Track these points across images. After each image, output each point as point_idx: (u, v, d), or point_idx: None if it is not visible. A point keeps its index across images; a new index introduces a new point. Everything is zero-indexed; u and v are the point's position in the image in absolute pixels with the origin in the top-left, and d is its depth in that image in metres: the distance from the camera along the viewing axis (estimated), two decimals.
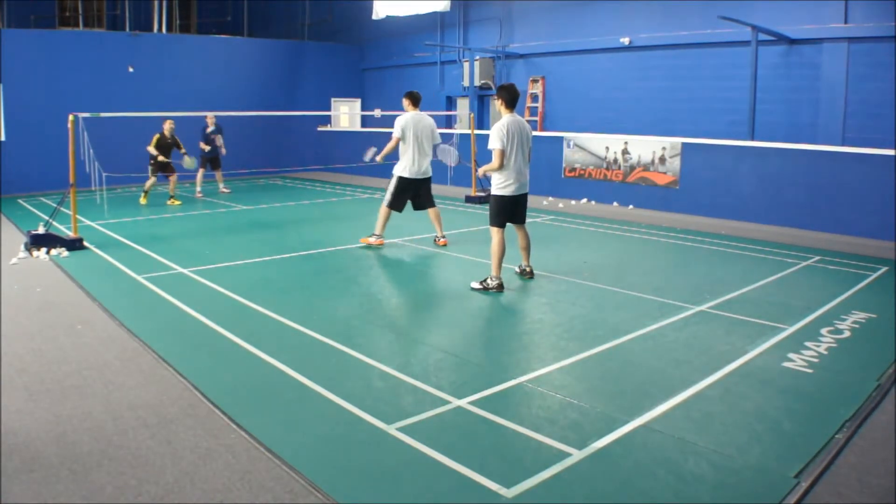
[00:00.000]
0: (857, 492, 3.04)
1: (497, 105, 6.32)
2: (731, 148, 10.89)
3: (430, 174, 8.26)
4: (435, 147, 8.33)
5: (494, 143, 6.16)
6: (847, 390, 4.13)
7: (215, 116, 13.62)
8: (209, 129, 13.62)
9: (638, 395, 4.03)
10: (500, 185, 6.34)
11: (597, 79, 14.60)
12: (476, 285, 6.43)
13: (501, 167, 6.22)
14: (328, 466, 3.21)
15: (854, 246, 8.71)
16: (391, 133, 8.10)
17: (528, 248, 6.82)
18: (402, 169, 8.09)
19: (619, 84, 14.18)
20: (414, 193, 8.22)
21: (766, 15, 11.41)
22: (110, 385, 4.17)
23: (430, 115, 8.54)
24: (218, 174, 14.32)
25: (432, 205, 8.34)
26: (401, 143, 8.04)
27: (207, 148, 13.65)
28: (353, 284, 6.77)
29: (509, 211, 6.43)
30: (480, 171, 6.62)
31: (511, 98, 6.17)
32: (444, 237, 8.45)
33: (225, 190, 14.52)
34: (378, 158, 8.33)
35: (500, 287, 6.34)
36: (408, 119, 8.03)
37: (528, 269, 6.87)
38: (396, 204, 8.20)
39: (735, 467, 3.22)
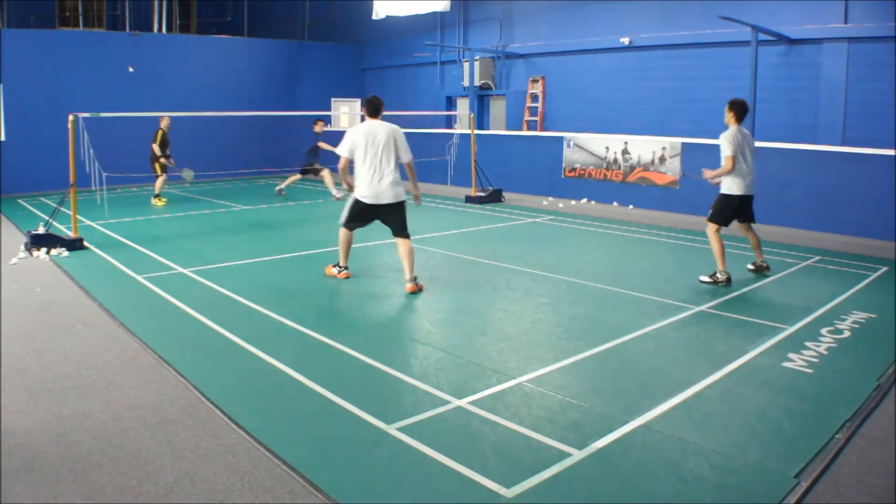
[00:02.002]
0: (857, 492, 3.04)
1: (728, 118, 6.85)
2: None
3: (391, 199, 6.51)
4: None
5: (727, 150, 6.70)
6: (847, 390, 4.13)
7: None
8: (319, 138, 13.21)
9: (638, 395, 4.03)
10: (730, 186, 6.85)
11: (597, 79, 14.59)
12: (706, 279, 6.79)
13: (732, 170, 6.76)
14: (328, 466, 3.21)
15: (854, 246, 8.71)
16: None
17: (759, 246, 7.19)
18: (358, 189, 6.63)
19: (619, 84, 14.17)
20: (375, 219, 6.75)
21: (766, 15, 11.41)
22: (110, 385, 4.17)
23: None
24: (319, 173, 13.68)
25: (405, 236, 6.63)
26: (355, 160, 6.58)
27: (317, 166, 13.10)
28: (353, 284, 6.76)
29: (736, 210, 6.90)
30: (709, 175, 6.99)
31: (742, 112, 6.79)
32: (412, 281, 6.49)
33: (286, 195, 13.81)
34: (337, 195, 6.69)
35: (729, 281, 6.71)
36: (358, 131, 6.56)
37: (764, 265, 7.19)
38: (351, 224, 6.79)
39: (735, 467, 3.22)
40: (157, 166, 12.35)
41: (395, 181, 6.54)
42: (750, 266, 7.29)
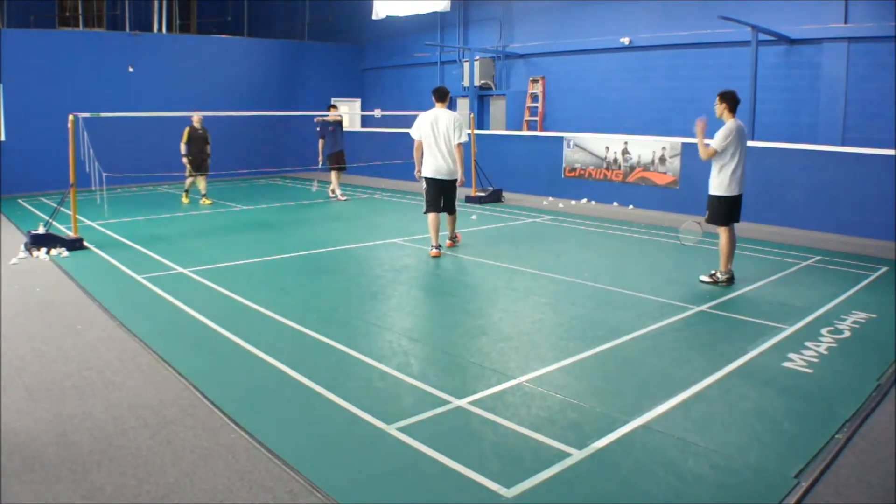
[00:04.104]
0: (857, 492, 3.04)
1: (720, 110, 6.52)
2: None
3: (447, 175, 7.84)
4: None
5: (714, 144, 6.40)
6: (847, 390, 4.13)
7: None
8: (330, 126, 12.73)
9: (638, 395, 4.03)
10: (719, 186, 6.53)
11: (597, 79, 14.60)
12: (706, 279, 6.68)
13: (713, 161, 6.48)
14: (328, 466, 3.21)
15: (854, 246, 8.71)
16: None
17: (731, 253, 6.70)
18: (423, 168, 7.90)
19: (619, 84, 14.18)
20: (438, 194, 7.91)
21: (766, 15, 11.42)
22: (110, 385, 4.17)
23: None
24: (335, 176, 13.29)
25: (451, 211, 8.21)
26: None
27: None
28: (353, 285, 6.76)
29: (728, 210, 6.57)
30: (700, 129, 6.55)
31: (736, 104, 6.49)
32: (451, 238, 8.46)
33: (342, 198, 13.28)
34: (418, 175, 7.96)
35: (730, 281, 6.62)
36: (421, 117, 7.79)
37: (725, 277, 6.63)
38: (429, 206, 7.94)
39: (735, 467, 3.22)
40: (185, 163, 12.34)
41: (453, 162, 7.78)
42: (705, 278, 6.71)
